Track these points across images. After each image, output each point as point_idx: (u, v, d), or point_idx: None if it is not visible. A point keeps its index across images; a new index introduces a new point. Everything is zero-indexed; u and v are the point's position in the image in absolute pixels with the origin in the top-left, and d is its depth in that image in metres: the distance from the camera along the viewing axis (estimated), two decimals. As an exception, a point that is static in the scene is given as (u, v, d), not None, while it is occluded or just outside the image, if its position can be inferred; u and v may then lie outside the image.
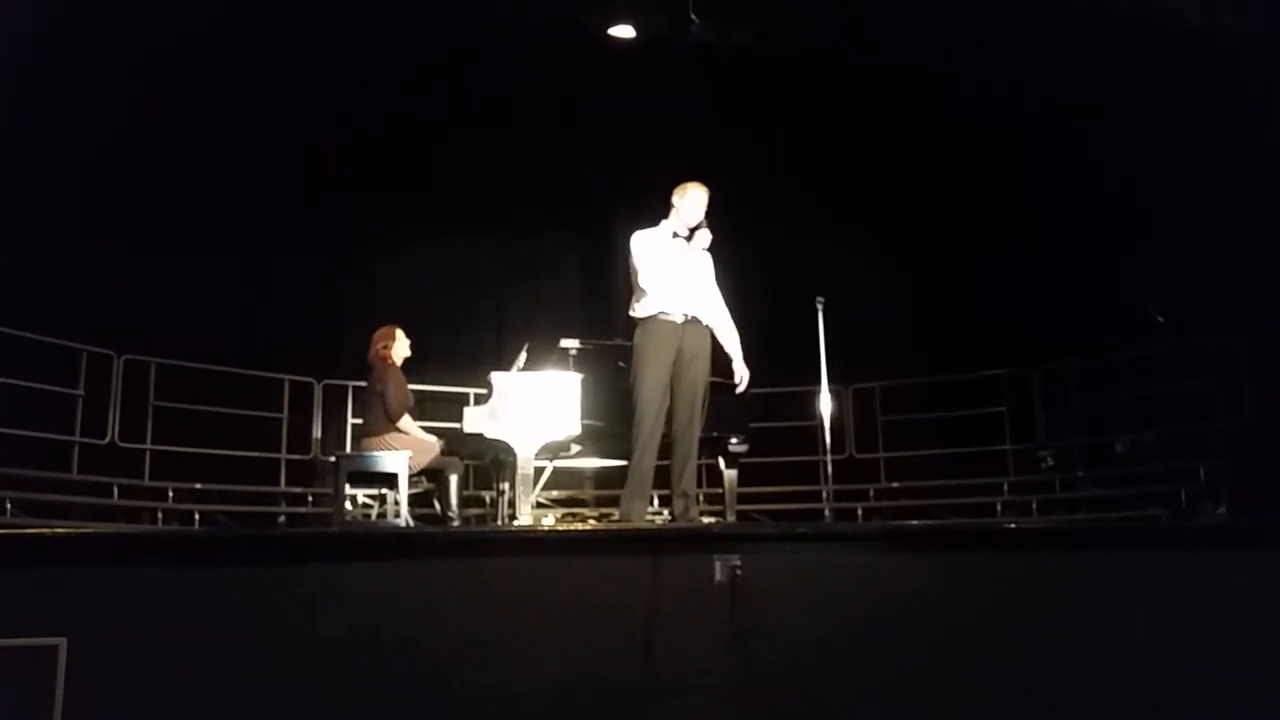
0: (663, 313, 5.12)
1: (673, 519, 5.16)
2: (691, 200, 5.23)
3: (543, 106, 8.71)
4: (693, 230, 5.20)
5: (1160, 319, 6.70)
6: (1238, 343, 7.01)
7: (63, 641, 2.90)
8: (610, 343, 6.13)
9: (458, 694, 3.18)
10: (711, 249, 5.35)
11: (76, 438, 7.11)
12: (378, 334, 6.39)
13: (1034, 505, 7.97)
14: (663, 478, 5.29)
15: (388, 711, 3.12)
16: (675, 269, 5.16)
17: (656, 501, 6.55)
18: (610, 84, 8.51)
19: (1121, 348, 7.52)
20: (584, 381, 5.73)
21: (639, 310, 5.19)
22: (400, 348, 6.37)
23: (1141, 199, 7.47)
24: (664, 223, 5.30)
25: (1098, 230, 7.85)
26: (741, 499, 6.83)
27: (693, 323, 5.16)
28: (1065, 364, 8.13)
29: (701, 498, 8.16)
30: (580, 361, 5.93)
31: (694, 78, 8.54)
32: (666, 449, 5.23)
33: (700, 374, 5.15)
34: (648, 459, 5.07)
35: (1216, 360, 7.07)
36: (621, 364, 5.58)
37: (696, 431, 5.15)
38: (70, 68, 6.89)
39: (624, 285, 5.50)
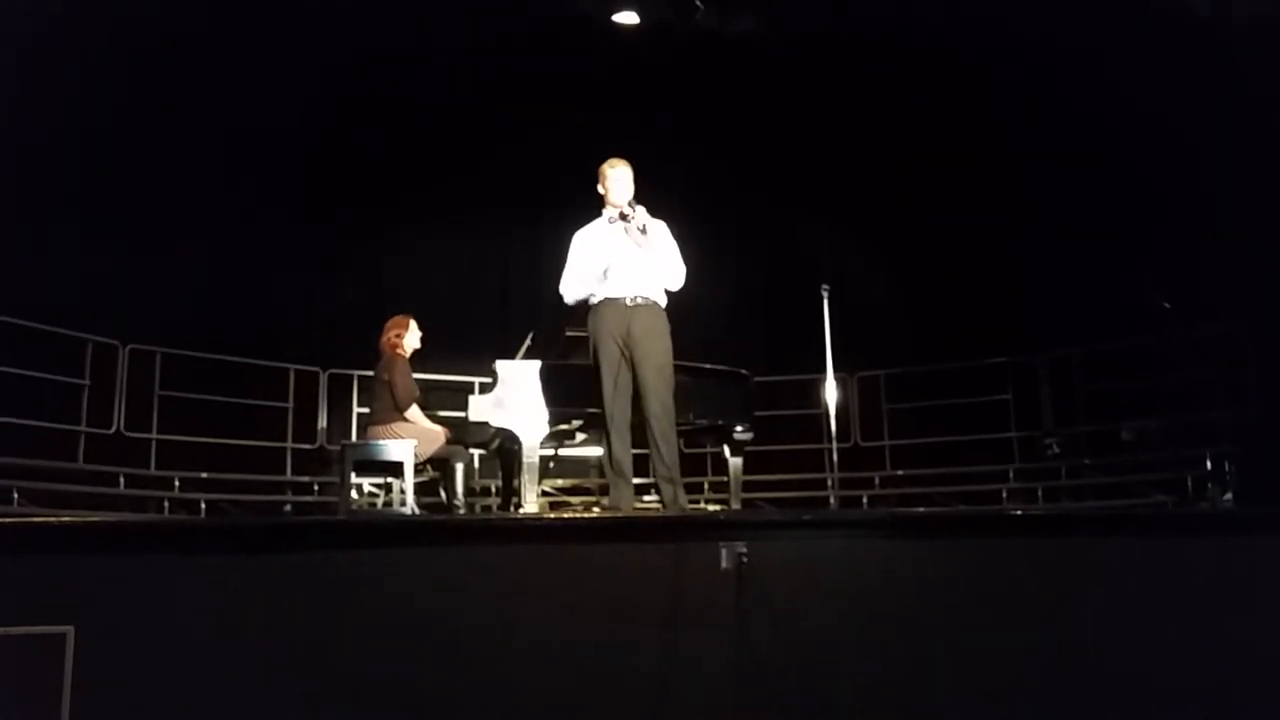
0: (608, 298, 5.05)
1: (664, 506, 5.01)
2: (613, 180, 5.14)
3: (546, 95, 8.67)
4: (630, 209, 5.06)
5: (1166, 306, 6.69)
6: (1243, 330, 6.98)
7: (70, 630, 2.92)
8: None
9: (466, 678, 3.19)
10: (678, 224, 5.24)
11: (82, 427, 7.11)
12: (390, 322, 6.30)
13: (1039, 492, 7.97)
14: (643, 465, 5.20)
15: (395, 698, 3.13)
16: (615, 255, 5.07)
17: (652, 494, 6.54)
18: (614, 73, 8.47)
19: (1127, 335, 7.51)
20: (590, 369, 5.70)
21: (592, 299, 5.13)
22: (412, 338, 6.29)
23: (1146, 187, 7.44)
24: (605, 211, 5.21)
25: (1104, 218, 7.82)
26: (747, 487, 6.82)
27: (642, 305, 5.03)
28: (1071, 351, 8.12)
29: (706, 486, 8.20)
30: (585, 350, 5.90)
31: (698, 67, 8.51)
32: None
33: (656, 354, 4.99)
34: (618, 445, 4.97)
35: (1222, 347, 7.06)
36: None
37: (666, 414, 4.98)
38: (73, 62, 6.88)
39: None
